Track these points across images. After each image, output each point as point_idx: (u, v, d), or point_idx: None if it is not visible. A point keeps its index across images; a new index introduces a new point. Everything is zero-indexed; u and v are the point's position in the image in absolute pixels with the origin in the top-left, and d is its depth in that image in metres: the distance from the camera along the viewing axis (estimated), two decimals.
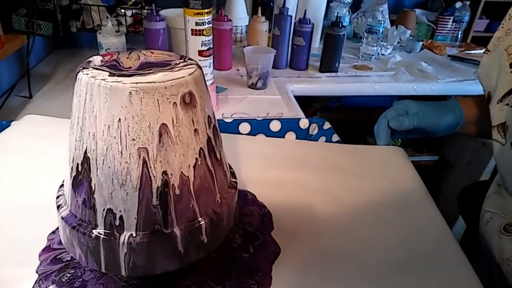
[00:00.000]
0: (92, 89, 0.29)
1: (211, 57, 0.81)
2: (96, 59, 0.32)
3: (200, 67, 0.32)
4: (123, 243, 0.30)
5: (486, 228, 0.57)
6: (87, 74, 0.29)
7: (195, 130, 0.31)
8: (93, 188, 0.31)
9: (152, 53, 0.34)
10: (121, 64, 0.31)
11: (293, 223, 0.45)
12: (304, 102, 1.17)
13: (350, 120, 1.90)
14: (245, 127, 0.69)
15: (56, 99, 0.90)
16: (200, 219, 0.33)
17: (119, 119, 0.28)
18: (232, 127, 0.68)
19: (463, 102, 0.62)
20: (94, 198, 0.31)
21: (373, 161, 0.60)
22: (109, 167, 0.29)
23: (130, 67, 0.31)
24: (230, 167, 0.40)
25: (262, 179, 0.53)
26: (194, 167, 0.31)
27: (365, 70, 1.27)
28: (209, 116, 0.33)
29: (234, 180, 0.39)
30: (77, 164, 0.31)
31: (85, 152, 0.30)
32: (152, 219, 0.30)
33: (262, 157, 0.59)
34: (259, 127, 0.70)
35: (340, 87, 1.20)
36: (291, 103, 0.98)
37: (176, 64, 0.32)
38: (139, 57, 0.33)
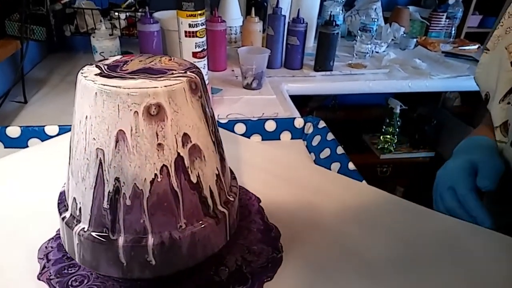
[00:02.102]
0: (78, 83, 0.30)
1: (205, 58, 0.81)
2: (111, 59, 0.33)
3: (193, 82, 0.30)
4: (75, 233, 0.31)
5: None
6: (82, 69, 0.31)
7: (159, 144, 0.29)
8: (69, 174, 0.32)
9: (170, 60, 0.34)
10: (124, 66, 0.32)
11: (298, 282, 0.38)
12: (300, 101, 1.18)
13: (346, 118, 1.91)
14: (240, 128, 0.70)
15: (51, 104, 0.90)
16: (149, 238, 0.31)
17: (86, 117, 0.29)
18: (227, 128, 0.68)
19: (485, 134, 0.55)
20: (69, 184, 0.33)
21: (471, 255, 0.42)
22: (77, 159, 0.31)
23: (127, 70, 0.31)
24: (230, 195, 0.37)
25: (297, 216, 0.46)
26: (152, 182, 0.29)
27: (360, 68, 1.28)
28: (186, 134, 0.30)
29: (221, 210, 0.34)
30: (68, 149, 0.33)
31: (70, 140, 0.32)
32: (102, 221, 0.31)
33: (306, 190, 0.51)
34: (254, 127, 0.70)
35: (335, 85, 1.20)
36: (286, 103, 0.98)
37: (172, 73, 0.31)
38: (151, 62, 0.33)
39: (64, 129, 0.64)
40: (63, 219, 0.33)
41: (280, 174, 0.55)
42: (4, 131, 0.63)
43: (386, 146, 1.68)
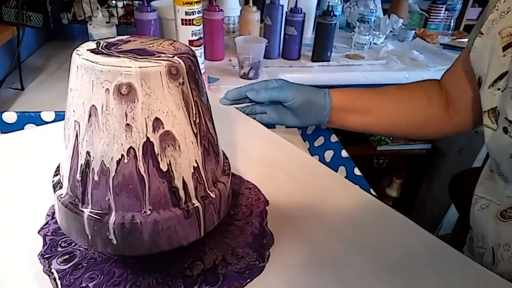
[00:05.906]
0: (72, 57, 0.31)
1: (202, 46, 0.81)
2: (117, 38, 0.34)
3: (173, 67, 0.29)
4: (56, 196, 0.33)
5: (479, 214, 0.56)
6: (81, 44, 0.32)
7: (127, 125, 0.29)
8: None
9: (170, 44, 0.34)
10: (122, 45, 0.32)
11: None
12: None
13: None
14: None
15: (48, 91, 0.91)
16: (112, 216, 0.31)
17: (71, 89, 0.30)
18: None
19: (333, 90, 0.62)
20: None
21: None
22: (64, 128, 0.32)
23: (121, 49, 0.31)
24: (212, 191, 0.35)
25: (307, 221, 0.45)
26: (118, 162, 0.29)
27: (357, 59, 1.28)
28: (158, 119, 0.29)
29: (195, 204, 0.33)
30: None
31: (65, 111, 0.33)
32: (75, 191, 0.32)
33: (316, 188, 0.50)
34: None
35: (332, 76, 1.20)
36: None
37: (159, 56, 0.30)
38: (150, 44, 0.33)
39: (60, 115, 0.65)
40: (52, 181, 0.34)
41: (275, 165, 0.54)
42: (1, 116, 0.63)
43: (382, 137, 1.69)
